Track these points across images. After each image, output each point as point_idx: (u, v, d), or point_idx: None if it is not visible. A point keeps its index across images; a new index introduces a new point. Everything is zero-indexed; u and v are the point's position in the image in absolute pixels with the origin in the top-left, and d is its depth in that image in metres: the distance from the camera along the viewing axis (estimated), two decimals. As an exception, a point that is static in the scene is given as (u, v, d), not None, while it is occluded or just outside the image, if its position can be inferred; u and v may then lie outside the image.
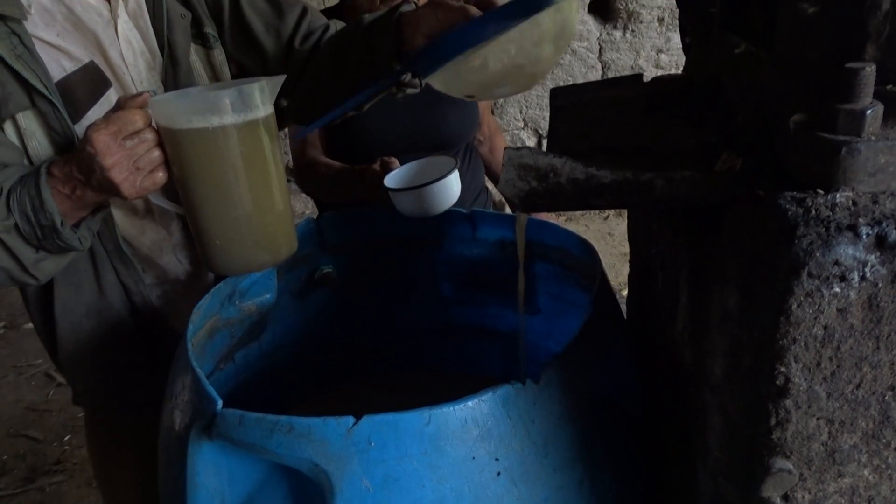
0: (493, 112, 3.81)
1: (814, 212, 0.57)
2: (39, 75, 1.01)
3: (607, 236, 3.73)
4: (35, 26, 1.03)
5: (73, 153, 0.97)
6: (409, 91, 1.15)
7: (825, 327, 0.56)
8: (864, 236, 0.55)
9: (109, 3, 1.10)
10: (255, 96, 0.95)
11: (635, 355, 1.03)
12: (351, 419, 0.75)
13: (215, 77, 1.23)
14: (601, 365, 0.93)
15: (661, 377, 0.99)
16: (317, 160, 1.62)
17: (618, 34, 3.92)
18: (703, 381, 0.76)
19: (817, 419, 0.59)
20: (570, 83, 4.40)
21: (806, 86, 0.65)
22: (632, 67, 3.96)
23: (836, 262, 0.55)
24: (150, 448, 1.22)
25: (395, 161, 1.42)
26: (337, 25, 1.26)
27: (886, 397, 0.58)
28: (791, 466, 0.61)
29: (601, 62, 3.98)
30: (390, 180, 1.32)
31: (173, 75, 1.16)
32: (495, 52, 0.91)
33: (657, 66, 3.97)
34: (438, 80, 0.99)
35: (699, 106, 0.93)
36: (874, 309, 0.56)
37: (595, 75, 4.01)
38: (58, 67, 1.05)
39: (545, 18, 0.89)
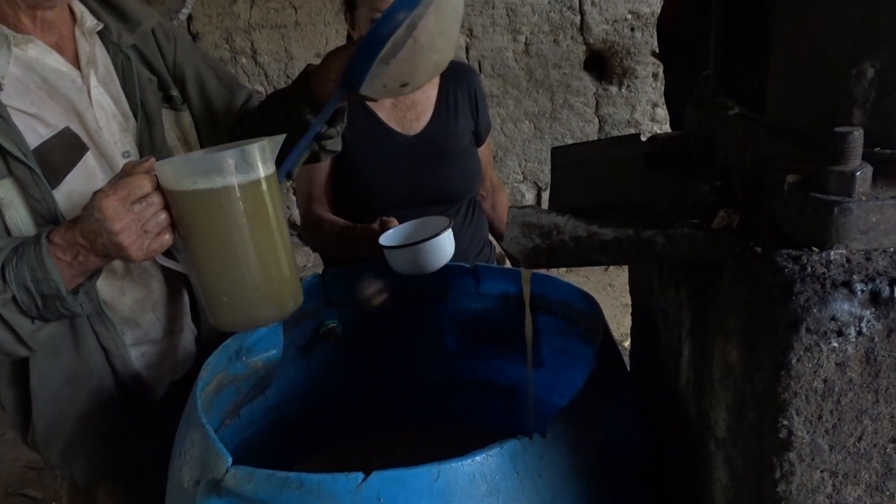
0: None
1: (810, 269, 0.59)
2: (17, 143, 1.03)
3: (608, 287, 3.75)
4: (9, 97, 1.06)
5: (74, 220, 1.00)
6: (330, 146, 1.28)
7: (825, 381, 0.58)
8: (859, 292, 0.57)
9: (81, 70, 1.14)
10: (257, 156, 0.98)
11: (640, 408, 1.04)
12: (360, 475, 0.76)
13: (184, 139, 1.28)
14: (607, 417, 0.94)
15: (666, 430, 1.00)
16: (321, 217, 1.65)
17: (614, 89, 4.01)
18: (708, 435, 0.77)
19: (821, 472, 0.60)
20: (568, 136, 4.48)
21: (798, 148, 0.68)
22: (628, 122, 4.04)
23: (833, 318, 0.57)
24: None
25: (394, 220, 1.44)
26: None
27: (888, 449, 0.60)
28: (797, 520, 0.62)
29: (598, 116, 4.06)
30: (385, 239, 1.35)
31: (149, 135, 1.20)
32: (406, 40, 1.02)
33: (653, 119, 4.05)
34: (369, 88, 1.08)
35: (696, 164, 0.96)
36: (872, 363, 0.57)
37: (592, 129, 4.09)
38: (34, 135, 1.07)
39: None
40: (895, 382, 0.58)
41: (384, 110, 1.70)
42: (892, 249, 0.60)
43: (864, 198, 0.60)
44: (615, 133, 4.04)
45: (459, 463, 0.78)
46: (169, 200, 0.97)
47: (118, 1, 1.23)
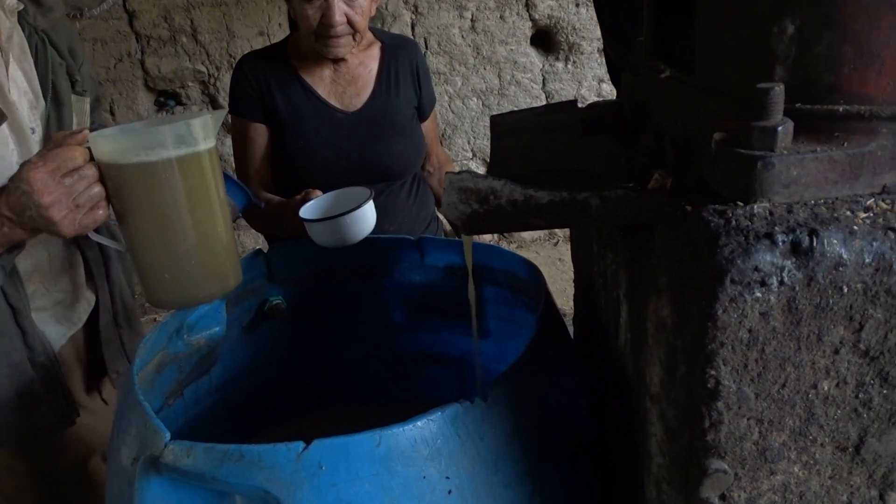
0: (441, 143, 3.87)
1: (734, 222, 0.60)
2: None
3: (557, 262, 3.79)
4: None
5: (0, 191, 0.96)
6: None
7: (750, 331, 0.59)
8: (781, 243, 0.58)
9: (1, 47, 1.15)
10: (198, 130, 0.96)
11: (582, 372, 1.06)
12: (301, 444, 0.75)
13: (84, 123, 1.30)
14: (548, 382, 0.96)
15: (608, 393, 1.02)
16: (257, 195, 1.63)
17: (560, 65, 4.03)
18: (644, 392, 0.78)
19: (748, 419, 0.62)
20: (505, 111, 4.49)
21: (724, 106, 0.69)
22: (574, 97, 4.07)
23: (756, 269, 0.58)
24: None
25: (318, 192, 1.43)
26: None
27: (810, 395, 0.62)
28: (726, 466, 0.63)
29: (545, 92, 4.08)
30: (305, 211, 1.33)
31: (57, 116, 1.22)
32: None
33: (598, 94, 4.09)
34: None
35: (631, 129, 0.97)
36: (793, 312, 0.59)
37: (540, 105, 4.11)
38: None
39: None
40: (815, 330, 0.60)
41: (323, 86, 1.68)
42: (812, 202, 0.62)
43: (785, 152, 0.61)
44: (563, 96, 4.06)
45: (401, 428, 0.78)
46: (104, 174, 0.94)
47: None
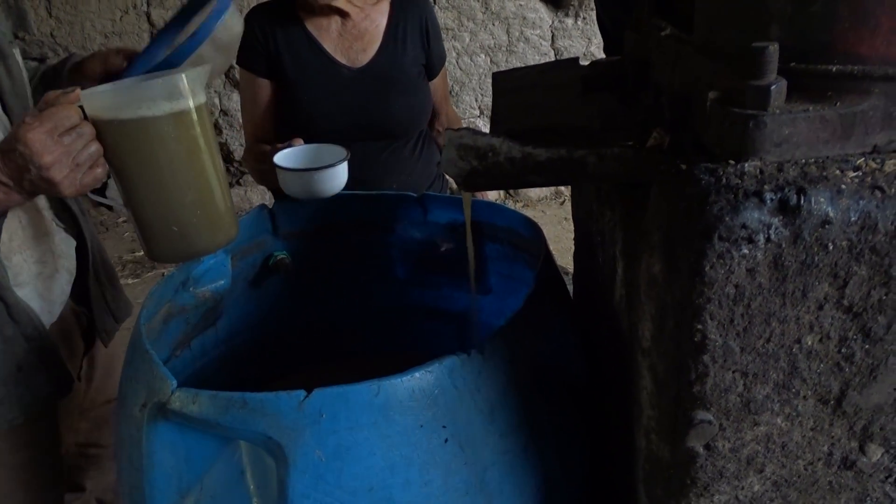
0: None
1: (724, 180, 0.62)
2: None
3: (563, 221, 3.80)
4: None
5: None
6: None
7: (736, 286, 0.61)
8: (769, 201, 0.59)
9: None
10: (191, 82, 0.97)
11: (580, 329, 1.08)
12: (302, 393, 0.78)
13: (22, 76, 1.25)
14: (545, 337, 0.98)
15: (603, 348, 1.04)
16: (255, 147, 1.64)
17: (569, 21, 3.98)
18: (636, 346, 0.80)
19: (733, 372, 0.64)
20: (508, 68, 4.46)
21: (721, 65, 0.69)
22: (584, 54, 4.02)
23: (744, 226, 0.59)
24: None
25: (299, 140, 1.44)
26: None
27: (793, 350, 0.63)
28: (711, 417, 0.66)
29: (554, 49, 4.03)
30: (280, 158, 1.35)
31: (5, 68, 1.17)
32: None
33: (608, 52, 4.04)
34: None
35: (632, 87, 0.97)
36: (779, 268, 0.60)
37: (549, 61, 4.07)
38: None
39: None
40: (800, 287, 0.61)
41: (330, 41, 1.67)
42: (803, 161, 0.63)
43: (778, 111, 0.62)
44: (565, 53, 4.02)
45: (399, 379, 0.80)
46: (100, 131, 0.94)
47: None
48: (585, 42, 3.99)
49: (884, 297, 0.61)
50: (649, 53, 0.95)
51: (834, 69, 0.63)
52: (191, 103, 0.98)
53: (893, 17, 0.60)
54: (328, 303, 1.47)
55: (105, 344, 1.41)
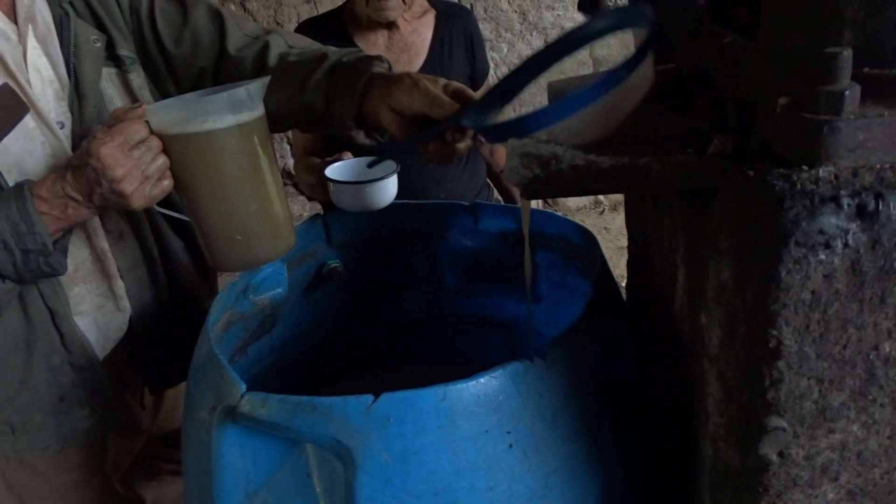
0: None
1: (799, 186, 0.61)
2: None
3: (604, 230, 3.78)
4: None
5: (61, 172, 0.96)
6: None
7: (812, 292, 0.61)
8: (846, 206, 0.59)
9: (18, 25, 1.04)
10: (252, 95, 0.99)
11: (635, 336, 1.08)
12: (370, 397, 0.79)
13: (133, 101, 1.16)
14: (603, 344, 0.98)
15: (660, 354, 1.04)
16: (305, 159, 1.67)
17: (608, 31, 3.97)
18: (701, 353, 0.80)
19: (808, 378, 0.64)
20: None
21: (790, 71, 0.69)
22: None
23: (821, 231, 0.59)
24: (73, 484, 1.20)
25: (349, 154, 1.46)
26: (273, 39, 1.21)
27: (871, 356, 0.63)
28: (785, 424, 0.65)
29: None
30: (332, 171, 1.37)
31: (79, 107, 1.09)
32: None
33: (647, 61, 4.03)
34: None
35: (690, 94, 0.97)
36: (857, 274, 0.60)
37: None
38: None
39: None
40: (878, 292, 0.61)
41: (377, 53, 1.69)
42: (878, 166, 0.62)
43: (852, 116, 0.62)
44: None
45: (465, 384, 0.81)
46: (166, 145, 0.97)
47: None
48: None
49: (964, 303, 0.60)
50: (707, 61, 0.95)
51: (909, 74, 0.62)
52: (254, 115, 1.00)
53: (972, 21, 0.59)
54: (379, 311, 1.48)
55: (154, 392, 1.35)
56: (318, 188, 1.69)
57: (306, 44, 1.25)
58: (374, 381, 1.47)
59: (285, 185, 4.04)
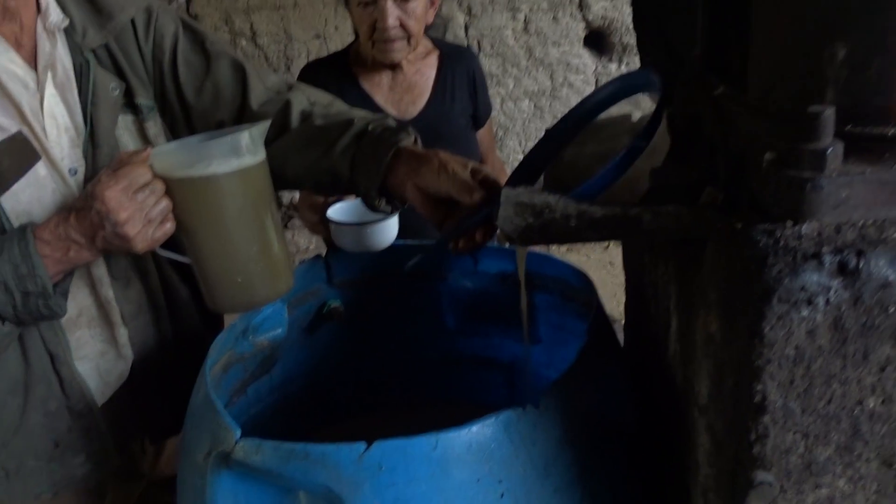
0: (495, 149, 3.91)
1: (782, 242, 0.62)
2: None
3: (608, 266, 3.78)
4: None
5: (64, 214, 0.97)
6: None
7: (796, 348, 0.61)
8: (828, 263, 0.60)
9: (37, 72, 1.05)
10: (254, 139, 1.01)
11: (632, 380, 1.08)
12: (363, 445, 0.80)
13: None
14: (599, 389, 0.98)
15: (656, 401, 1.04)
16: (308, 198, 1.68)
17: (613, 66, 4.01)
18: (692, 403, 0.80)
19: (794, 433, 0.64)
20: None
21: (776, 126, 0.71)
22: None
23: (803, 288, 0.60)
24: None
25: (352, 195, 1.47)
26: (295, 96, 1.21)
27: (855, 412, 0.63)
28: (772, 479, 0.65)
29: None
30: (334, 212, 1.38)
31: (93, 154, 1.10)
32: None
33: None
34: None
35: (683, 143, 0.99)
36: (840, 330, 0.61)
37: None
38: None
39: None
40: (861, 349, 0.61)
41: (381, 93, 1.73)
42: (861, 223, 0.63)
43: (835, 174, 0.63)
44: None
45: (457, 432, 0.82)
46: (169, 188, 0.98)
47: None
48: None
49: (948, 360, 0.61)
50: (701, 110, 0.96)
51: (890, 132, 0.63)
52: (256, 159, 1.02)
53: (950, 83, 0.61)
54: (379, 351, 1.49)
55: (154, 441, 1.34)
56: (321, 227, 1.71)
57: (327, 100, 1.26)
58: (374, 422, 1.49)
59: (291, 217, 4.07)
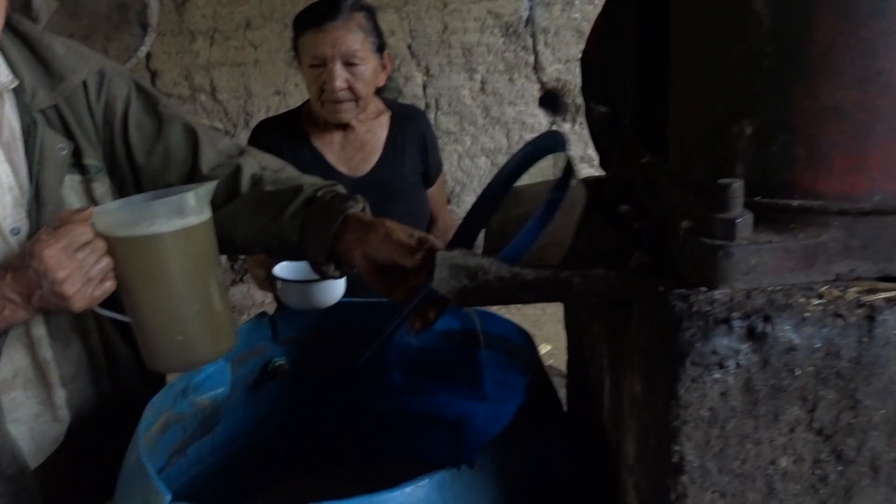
0: (449, 202, 3.96)
1: (696, 307, 0.65)
2: None
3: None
4: None
5: (2, 272, 0.96)
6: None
7: (711, 409, 0.64)
8: (737, 328, 0.63)
9: None
10: (198, 200, 1.02)
11: (571, 439, 1.09)
12: (295, 508, 0.79)
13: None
14: (537, 449, 0.99)
15: (594, 459, 1.05)
16: (259, 258, 1.69)
17: (567, 126, 4.13)
18: (622, 462, 0.82)
19: (711, 492, 0.66)
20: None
21: (692, 196, 0.74)
22: (581, 157, 4.16)
23: (715, 352, 0.63)
24: None
25: None
26: (246, 161, 1.22)
27: (769, 471, 0.65)
28: (693, 538, 0.67)
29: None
30: (280, 269, 1.39)
31: (37, 214, 1.09)
32: None
33: (605, 156, 4.18)
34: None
35: (617, 207, 1.03)
36: (751, 392, 0.63)
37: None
38: None
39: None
40: (772, 410, 0.64)
41: (333, 152, 1.76)
42: (770, 288, 0.67)
43: (745, 242, 0.66)
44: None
45: (390, 494, 0.82)
46: (110, 246, 0.98)
47: (46, 50, 1.12)
48: (583, 145, 4.12)
49: (852, 421, 0.64)
50: (632, 177, 1.00)
51: (795, 203, 0.67)
52: (201, 218, 1.03)
53: (846, 160, 0.65)
54: (326, 408, 1.48)
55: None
56: (268, 283, 1.72)
57: (278, 165, 1.27)
58: (320, 481, 1.47)
59: (248, 271, 4.04)
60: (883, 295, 0.65)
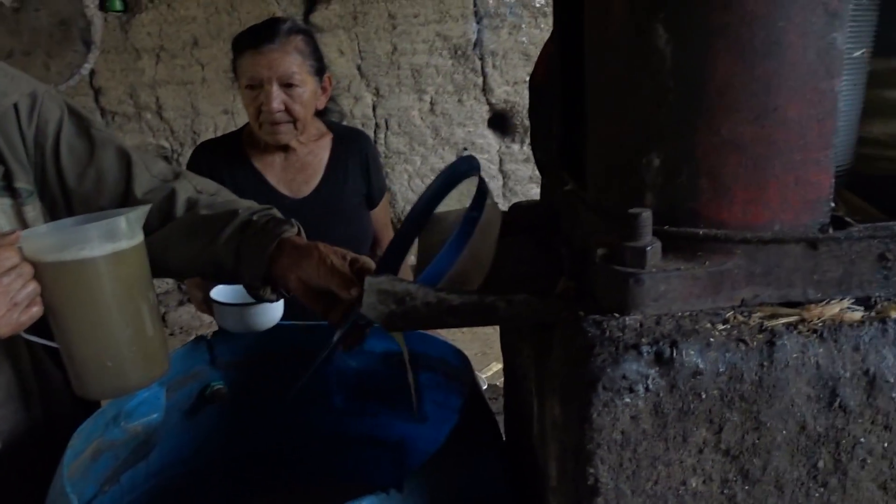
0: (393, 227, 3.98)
1: (608, 333, 0.68)
2: None
3: (513, 338, 3.84)
4: None
5: None
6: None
7: (622, 432, 0.66)
8: (645, 353, 0.65)
9: None
10: (129, 224, 1.01)
11: (506, 461, 1.11)
12: (220, 537, 0.79)
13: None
14: (470, 472, 1.00)
15: (528, 481, 1.06)
16: (193, 279, 1.68)
17: (516, 147, 4.19)
18: (547, 485, 0.84)
19: (625, 514, 0.68)
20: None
21: (607, 224, 0.77)
22: (530, 178, 4.22)
23: (624, 377, 0.65)
24: None
25: None
26: (181, 184, 1.22)
27: (680, 491, 0.68)
28: (608, 559, 0.69)
29: (502, 173, 4.22)
30: (217, 293, 1.39)
31: None
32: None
33: (553, 175, 4.25)
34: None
35: (546, 233, 1.05)
36: (660, 415, 0.66)
37: (497, 185, 4.25)
38: None
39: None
40: (681, 432, 0.66)
41: (274, 173, 1.76)
42: (679, 314, 0.69)
43: (654, 269, 0.69)
44: (518, 188, 4.21)
45: (317, 520, 0.82)
46: (38, 271, 0.97)
47: None
48: (531, 166, 4.19)
49: (756, 441, 0.66)
50: (557, 203, 1.03)
51: (701, 232, 0.70)
52: (132, 243, 1.02)
53: (746, 191, 0.68)
54: (266, 432, 1.47)
55: None
56: (206, 306, 1.70)
57: (214, 188, 1.28)
58: (259, 505, 1.46)
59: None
60: (783, 320, 0.68)
